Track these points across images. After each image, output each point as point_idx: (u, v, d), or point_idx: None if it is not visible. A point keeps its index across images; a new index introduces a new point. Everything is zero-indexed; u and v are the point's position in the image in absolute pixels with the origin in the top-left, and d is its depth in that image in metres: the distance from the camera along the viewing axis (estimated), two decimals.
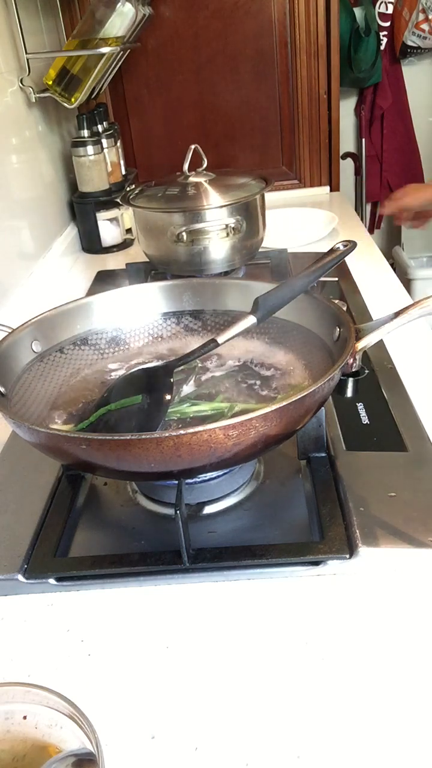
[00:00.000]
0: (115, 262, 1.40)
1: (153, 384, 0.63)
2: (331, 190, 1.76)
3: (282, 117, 1.68)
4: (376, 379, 0.79)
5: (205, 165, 1.10)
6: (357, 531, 0.56)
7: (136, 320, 0.78)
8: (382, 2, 2.10)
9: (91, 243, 1.47)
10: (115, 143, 1.48)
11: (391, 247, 2.36)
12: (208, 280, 0.82)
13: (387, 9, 2.11)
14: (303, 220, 1.54)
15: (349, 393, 0.78)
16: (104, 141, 1.43)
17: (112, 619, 0.54)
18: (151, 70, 1.62)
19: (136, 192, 1.11)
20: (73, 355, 0.74)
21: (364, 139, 2.24)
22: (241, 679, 0.48)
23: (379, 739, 0.42)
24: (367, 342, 0.59)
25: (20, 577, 0.57)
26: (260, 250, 1.14)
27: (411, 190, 1.20)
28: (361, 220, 1.63)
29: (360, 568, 0.55)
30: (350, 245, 0.69)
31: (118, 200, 1.32)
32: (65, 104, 1.30)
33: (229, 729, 0.44)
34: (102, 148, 1.42)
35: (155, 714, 0.46)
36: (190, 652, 0.50)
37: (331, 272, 0.69)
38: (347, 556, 0.55)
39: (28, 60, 1.20)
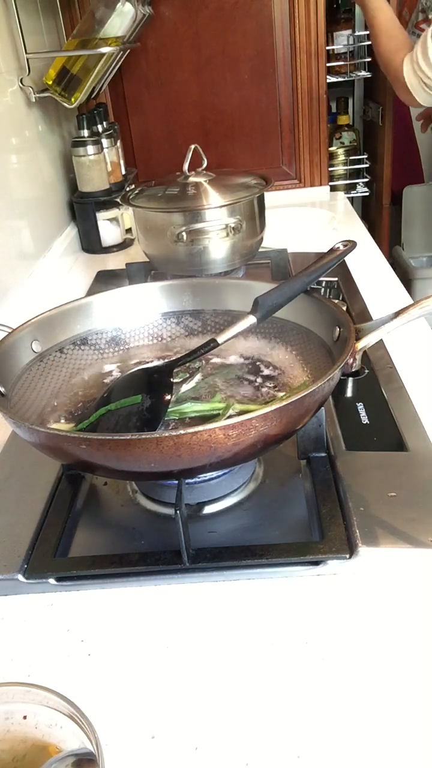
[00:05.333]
0: (115, 262, 1.40)
1: (153, 384, 0.63)
2: (331, 190, 1.76)
3: (282, 117, 1.67)
4: (376, 379, 0.79)
5: (205, 165, 1.10)
6: (357, 531, 0.56)
7: (136, 320, 0.78)
8: None
9: (91, 243, 1.47)
10: (115, 143, 1.48)
11: (391, 247, 2.36)
12: (208, 280, 0.82)
13: None
14: (303, 220, 1.54)
15: (349, 393, 0.78)
16: (104, 141, 1.43)
17: (112, 619, 0.54)
18: (151, 70, 1.62)
19: (136, 192, 1.11)
20: (73, 355, 0.74)
21: None
22: (241, 679, 0.48)
23: (379, 739, 0.42)
24: (367, 342, 0.59)
25: (20, 577, 0.57)
26: (260, 250, 1.14)
27: None
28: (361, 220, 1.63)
29: (360, 568, 0.55)
30: (350, 245, 0.69)
31: (118, 200, 1.32)
32: (65, 104, 1.30)
33: (229, 729, 0.44)
34: (102, 148, 1.42)
35: (155, 714, 0.46)
36: (190, 652, 0.50)
37: (331, 272, 0.69)
38: (347, 556, 0.55)
39: (28, 60, 1.20)
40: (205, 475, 0.62)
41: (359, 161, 1.96)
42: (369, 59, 1.78)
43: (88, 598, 0.56)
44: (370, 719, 0.44)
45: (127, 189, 1.30)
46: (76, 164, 1.42)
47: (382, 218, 1.99)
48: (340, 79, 1.84)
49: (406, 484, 0.61)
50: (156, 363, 0.71)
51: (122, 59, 1.51)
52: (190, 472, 0.57)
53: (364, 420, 0.72)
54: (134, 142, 1.71)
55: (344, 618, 0.51)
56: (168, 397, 0.61)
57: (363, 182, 1.95)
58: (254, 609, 0.53)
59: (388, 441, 0.68)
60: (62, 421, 0.67)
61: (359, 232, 1.45)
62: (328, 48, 1.66)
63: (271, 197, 1.17)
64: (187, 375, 0.70)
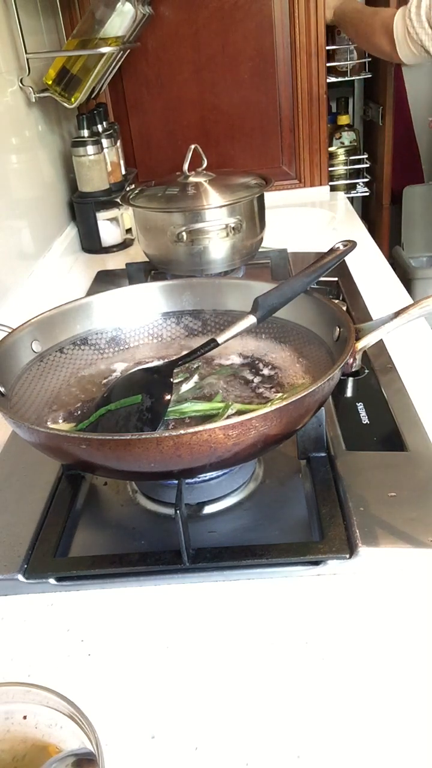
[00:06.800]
0: (115, 262, 1.40)
1: (153, 384, 0.63)
2: (331, 190, 1.76)
3: (282, 117, 1.67)
4: (376, 379, 0.79)
5: (205, 165, 1.10)
6: (357, 531, 0.56)
7: (136, 320, 0.78)
8: None
9: (91, 243, 1.47)
10: (115, 143, 1.48)
11: (391, 247, 2.36)
12: (208, 280, 0.82)
13: None
14: (303, 220, 1.54)
15: (349, 393, 0.78)
16: (104, 141, 1.43)
17: (112, 619, 0.54)
18: (151, 70, 1.62)
19: (136, 192, 1.11)
20: (73, 355, 0.74)
21: None
22: (241, 679, 0.48)
23: (378, 739, 0.42)
24: (367, 342, 0.59)
25: (20, 577, 0.57)
26: (260, 250, 1.14)
27: None
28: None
29: (360, 568, 0.55)
30: (350, 245, 0.69)
31: (118, 200, 1.32)
32: (65, 104, 1.30)
33: (229, 729, 0.44)
34: (102, 148, 1.42)
35: (155, 714, 0.46)
36: (190, 652, 0.50)
37: (331, 272, 0.69)
38: (347, 556, 0.55)
39: (28, 60, 1.20)
40: (205, 475, 0.62)
41: (359, 161, 1.96)
42: (369, 59, 1.78)
43: (88, 598, 0.56)
44: (370, 719, 0.44)
45: (127, 189, 1.30)
46: (76, 164, 1.42)
47: (382, 218, 1.99)
48: (340, 79, 1.84)
49: (406, 484, 0.61)
50: (156, 363, 0.71)
51: (122, 59, 1.51)
52: (190, 472, 0.57)
53: (364, 420, 0.72)
54: (134, 142, 1.71)
55: (344, 618, 0.51)
56: (168, 397, 0.61)
57: (363, 182, 1.95)
58: (254, 609, 0.53)
59: (388, 441, 0.68)
60: (62, 421, 0.67)
61: (359, 232, 1.45)
62: (328, 48, 1.65)
63: (271, 197, 1.17)
64: (187, 375, 0.70)
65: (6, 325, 0.70)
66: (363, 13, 1.49)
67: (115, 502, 0.66)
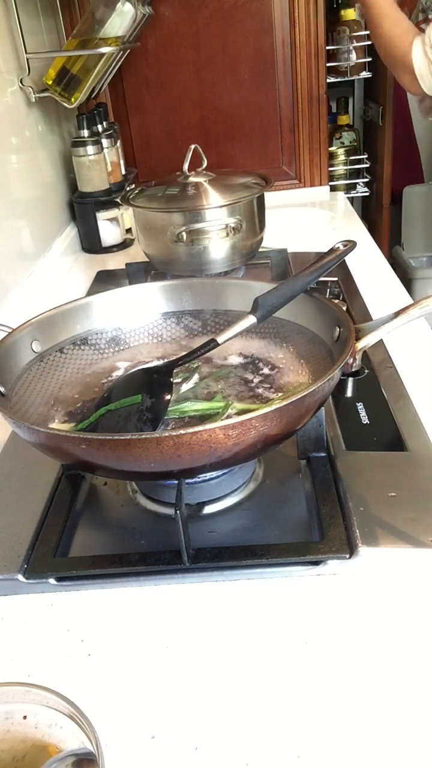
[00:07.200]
0: (115, 262, 1.40)
1: (153, 384, 0.63)
2: (331, 190, 1.76)
3: (282, 117, 1.67)
4: (376, 379, 0.79)
5: (205, 165, 1.10)
6: (357, 531, 0.56)
7: (136, 320, 0.78)
8: None
9: (91, 243, 1.47)
10: (115, 143, 1.48)
11: (391, 247, 2.36)
12: (208, 280, 0.82)
13: None
14: (303, 220, 1.54)
15: (349, 393, 0.78)
16: (104, 141, 1.44)
17: (112, 619, 0.54)
18: (151, 70, 1.62)
19: (136, 192, 1.11)
20: (73, 355, 0.74)
21: None
22: (241, 679, 0.48)
23: (378, 739, 0.42)
24: (367, 342, 0.59)
25: (20, 577, 0.57)
26: (260, 250, 1.14)
27: None
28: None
29: (360, 568, 0.55)
30: (350, 245, 0.69)
31: (118, 200, 1.32)
32: (65, 104, 1.30)
33: (229, 729, 0.44)
34: (102, 148, 1.42)
35: (155, 714, 0.46)
36: (190, 652, 0.50)
37: (331, 272, 0.69)
38: (347, 556, 0.55)
39: (28, 60, 1.20)
40: (205, 475, 0.62)
41: (359, 161, 1.96)
42: (369, 59, 1.78)
43: (88, 598, 0.56)
44: (369, 719, 0.44)
45: (127, 189, 1.30)
46: (76, 164, 1.42)
47: (382, 218, 2.00)
48: (340, 79, 1.84)
49: (406, 484, 0.61)
50: (156, 363, 0.71)
51: (122, 59, 1.51)
52: (190, 472, 0.57)
53: (364, 420, 0.72)
54: (134, 142, 1.71)
55: (344, 618, 0.51)
56: (168, 397, 0.61)
57: (363, 182, 1.95)
58: (254, 609, 0.53)
59: (388, 441, 0.68)
60: (62, 420, 0.67)
61: (359, 232, 1.45)
62: (328, 48, 1.65)
63: (271, 197, 1.17)
64: (187, 375, 0.70)
65: (6, 325, 0.70)
66: (382, 25, 1.26)
67: (115, 502, 0.66)
